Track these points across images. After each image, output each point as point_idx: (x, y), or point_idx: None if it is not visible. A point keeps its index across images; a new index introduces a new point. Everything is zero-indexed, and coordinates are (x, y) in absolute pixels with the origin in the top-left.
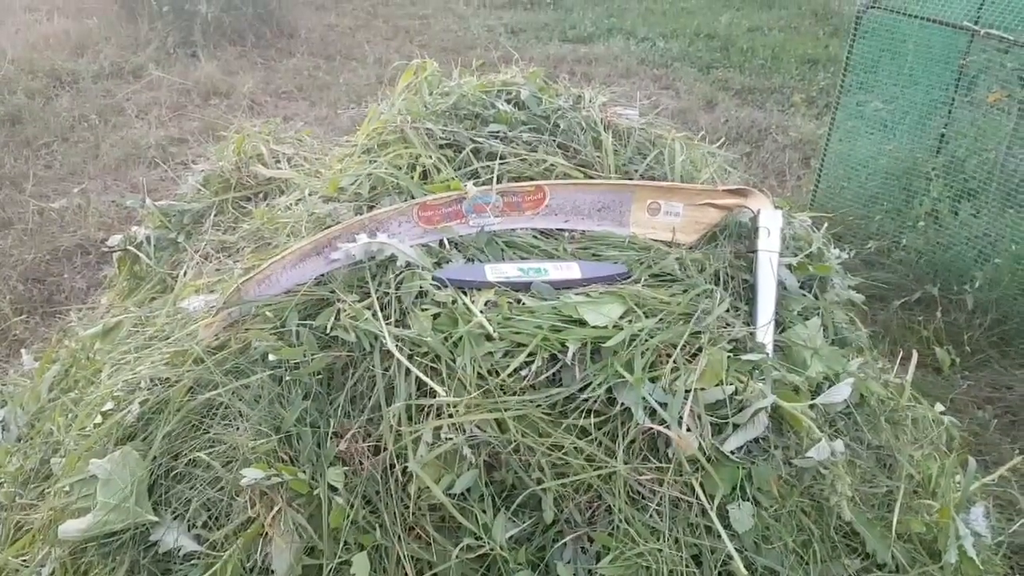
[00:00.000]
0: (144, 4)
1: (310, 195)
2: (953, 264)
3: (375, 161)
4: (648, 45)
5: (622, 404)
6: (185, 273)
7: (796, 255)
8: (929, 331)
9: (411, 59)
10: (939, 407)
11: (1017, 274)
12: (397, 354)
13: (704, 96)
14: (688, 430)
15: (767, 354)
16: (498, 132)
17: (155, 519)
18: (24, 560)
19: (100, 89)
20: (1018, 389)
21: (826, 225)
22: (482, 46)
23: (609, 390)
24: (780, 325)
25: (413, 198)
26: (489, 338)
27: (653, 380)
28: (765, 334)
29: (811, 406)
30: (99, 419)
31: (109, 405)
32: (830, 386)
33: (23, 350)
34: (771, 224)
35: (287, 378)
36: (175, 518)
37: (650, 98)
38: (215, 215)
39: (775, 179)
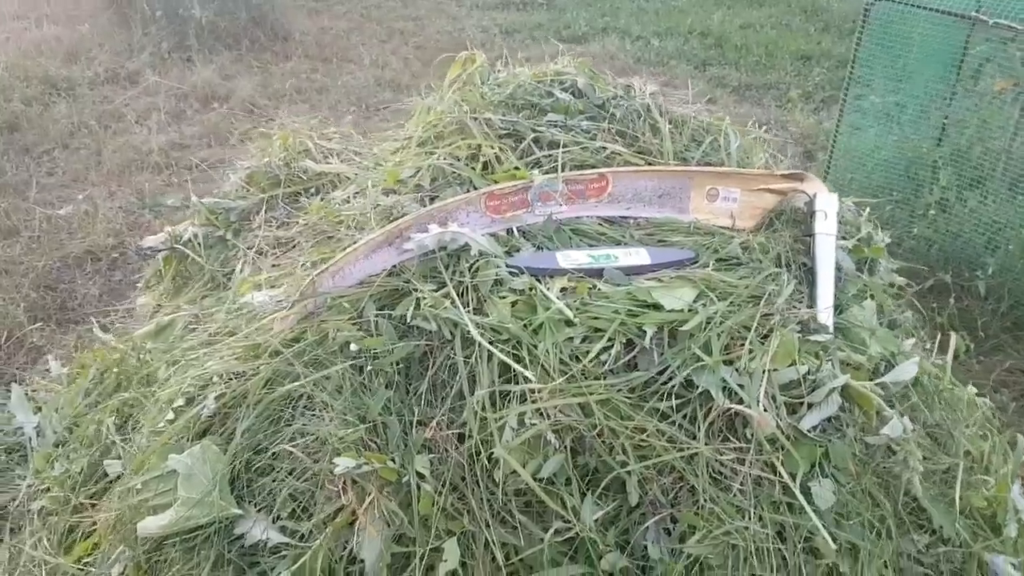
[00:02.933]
0: (137, 9)
1: (372, 187)
2: (964, 252)
3: (432, 153)
4: (643, 44)
5: (700, 387)
6: (240, 269)
7: (846, 238)
8: (943, 318)
9: (407, 60)
10: (972, 388)
11: None
12: (481, 340)
13: (702, 94)
14: (765, 410)
15: (832, 335)
16: (557, 121)
17: (240, 512)
18: (82, 566)
19: (97, 95)
20: None
21: (868, 209)
22: (477, 47)
23: (687, 373)
24: (838, 307)
25: (475, 188)
26: (569, 323)
27: (728, 362)
28: (827, 316)
29: (879, 385)
30: (171, 415)
31: (180, 401)
32: (887, 367)
33: (49, 356)
34: (828, 207)
35: (368, 368)
36: (260, 511)
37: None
38: (265, 211)
39: None
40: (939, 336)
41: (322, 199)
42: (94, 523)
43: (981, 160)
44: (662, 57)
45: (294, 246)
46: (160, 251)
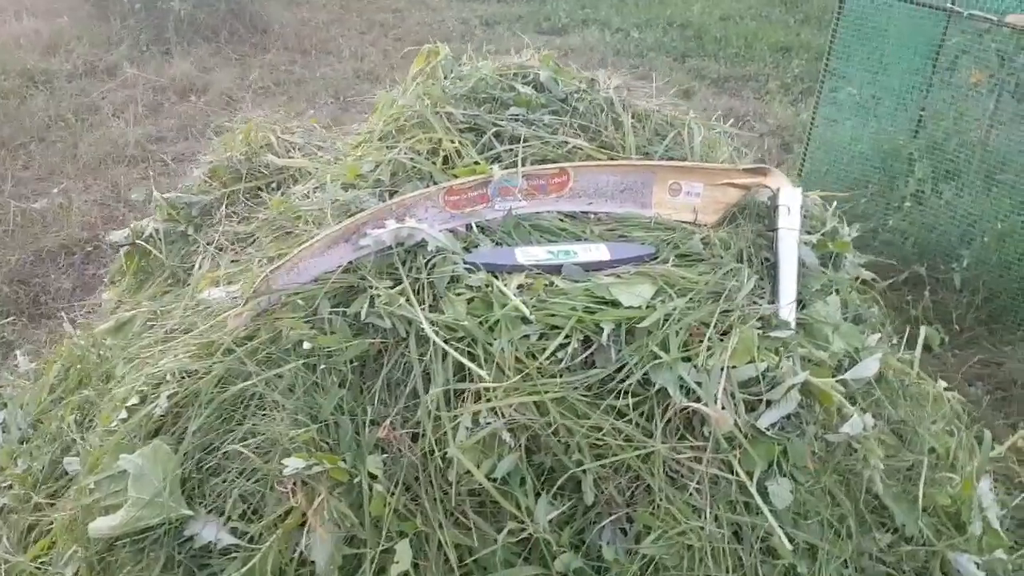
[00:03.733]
0: (116, 2)
1: (331, 182)
2: (939, 244)
3: (393, 147)
4: (622, 36)
5: (658, 384)
6: (200, 265)
7: (810, 233)
8: (918, 311)
9: (387, 52)
10: (942, 383)
11: (1003, 252)
12: (435, 338)
13: (681, 85)
14: (723, 408)
15: (793, 331)
16: (519, 115)
17: (190, 513)
18: (39, 564)
19: (74, 88)
20: (1007, 365)
21: (836, 203)
22: (457, 38)
23: (644, 370)
24: (800, 302)
25: (435, 183)
26: (525, 321)
27: (687, 359)
28: (789, 311)
29: (840, 382)
30: (124, 414)
31: (134, 400)
32: (851, 363)
33: (17, 352)
34: (791, 202)
35: (321, 366)
36: (210, 512)
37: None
38: (226, 206)
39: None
40: (909, 330)
41: (282, 194)
42: (52, 522)
43: (957, 152)
44: (641, 49)
45: (253, 241)
46: (122, 246)
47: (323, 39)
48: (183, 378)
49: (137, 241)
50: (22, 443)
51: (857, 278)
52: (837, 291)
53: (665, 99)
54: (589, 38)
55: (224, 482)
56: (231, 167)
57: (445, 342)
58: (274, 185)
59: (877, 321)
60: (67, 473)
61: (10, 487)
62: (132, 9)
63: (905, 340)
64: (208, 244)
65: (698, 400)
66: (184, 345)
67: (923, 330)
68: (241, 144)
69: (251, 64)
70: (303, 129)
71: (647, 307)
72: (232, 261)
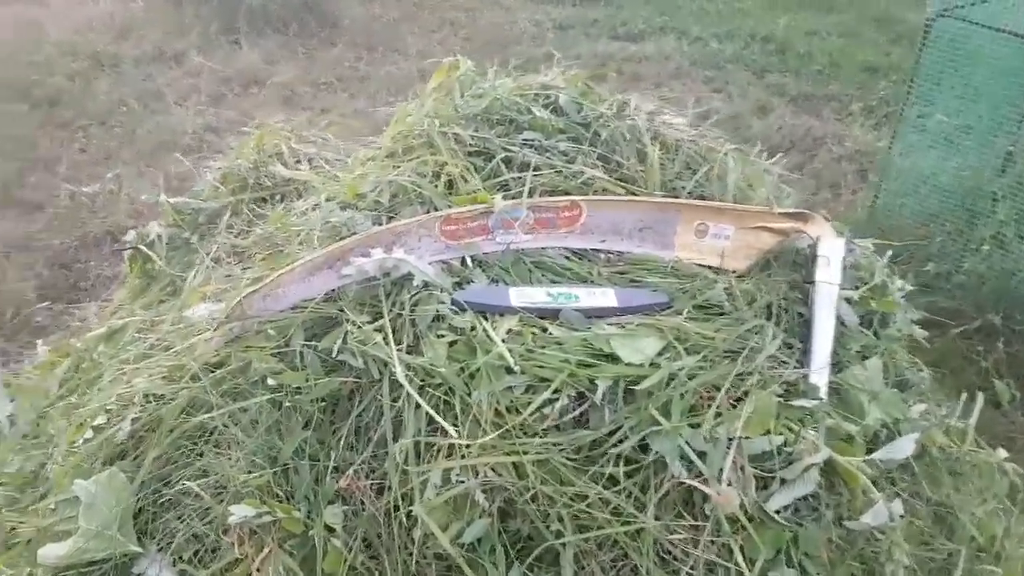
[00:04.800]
0: None
1: (327, 200)
2: (1018, 292)
3: (399, 167)
4: (701, 45)
5: (656, 452)
6: (194, 277)
7: (857, 287)
8: (989, 362)
9: (454, 53)
10: (1002, 452)
11: None
12: (407, 385)
13: (757, 101)
14: (729, 484)
15: (821, 399)
16: (533, 140)
17: (139, 550)
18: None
19: (140, 73)
20: None
21: (889, 252)
22: (528, 41)
23: (642, 436)
24: (837, 365)
25: (436, 209)
26: (509, 371)
27: (692, 426)
28: (820, 376)
29: (868, 460)
30: (89, 433)
31: (101, 419)
32: (888, 435)
33: (39, 341)
34: (832, 253)
35: (287, 404)
36: (160, 550)
37: (699, 101)
38: (229, 216)
39: (829, 191)
40: (982, 382)
41: (284, 208)
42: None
43: None
44: (719, 60)
45: (249, 257)
46: (125, 250)
47: (392, 36)
48: (149, 401)
49: (139, 246)
50: (25, 438)
51: (909, 336)
52: (881, 353)
53: (703, 128)
54: (665, 46)
55: (179, 519)
56: (239, 174)
57: (420, 388)
58: (279, 197)
59: (927, 387)
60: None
61: (2, 484)
62: None
63: (963, 402)
64: (206, 255)
65: (700, 474)
66: (158, 365)
67: (980, 396)
68: (251, 151)
69: (317, 58)
70: (319, 138)
71: (650, 364)
72: (226, 276)
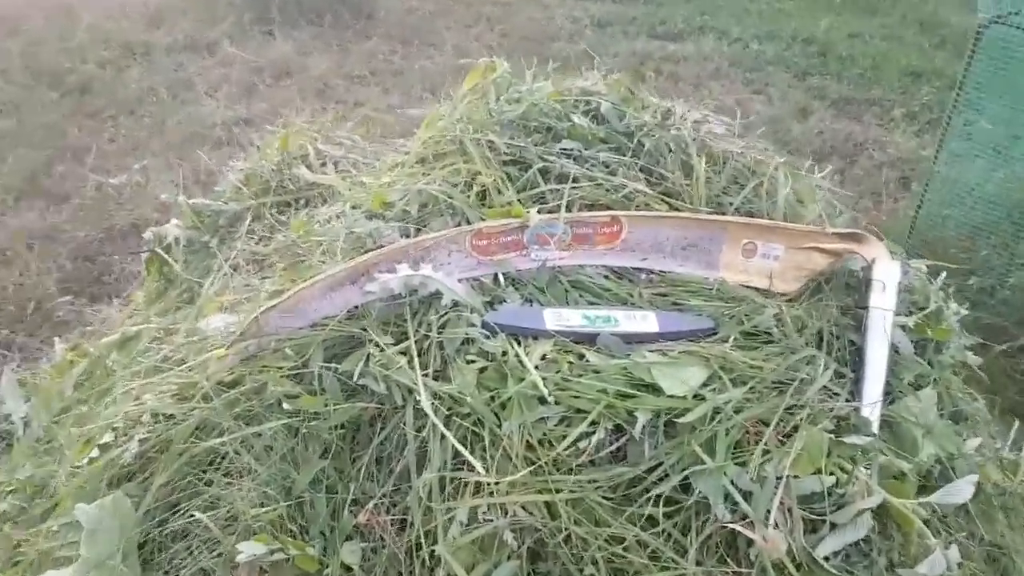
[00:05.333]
0: None
1: (352, 208)
2: None
3: (429, 174)
4: (741, 46)
5: (698, 491)
6: (212, 285)
7: (911, 312)
8: None
9: (490, 49)
10: None
11: None
12: (432, 416)
13: (798, 104)
14: (776, 527)
15: (874, 435)
16: (572, 150)
17: None
18: None
19: (172, 63)
20: None
21: (943, 275)
22: (565, 38)
23: (684, 474)
24: (889, 395)
25: (468, 221)
26: (543, 401)
27: (737, 462)
28: (873, 410)
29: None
30: (96, 452)
31: (108, 437)
32: (942, 472)
33: (56, 338)
34: (887, 277)
35: (304, 430)
36: None
37: (739, 103)
38: (251, 220)
39: (870, 199)
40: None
41: (308, 214)
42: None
43: None
44: (759, 62)
45: (269, 265)
46: (142, 252)
47: (427, 30)
48: (158, 421)
49: (156, 249)
50: (38, 443)
51: (962, 362)
52: (935, 383)
53: (750, 139)
54: (704, 46)
55: (187, 550)
56: (262, 176)
57: (447, 419)
58: (303, 202)
59: (983, 418)
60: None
61: (13, 491)
62: None
63: (1014, 430)
64: (225, 261)
65: (744, 516)
66: (169, 382)
67: None
68: (276, 152)
69: (351, 51)
70: (347, 138)
71: (694, 396)
72: (245, 285)
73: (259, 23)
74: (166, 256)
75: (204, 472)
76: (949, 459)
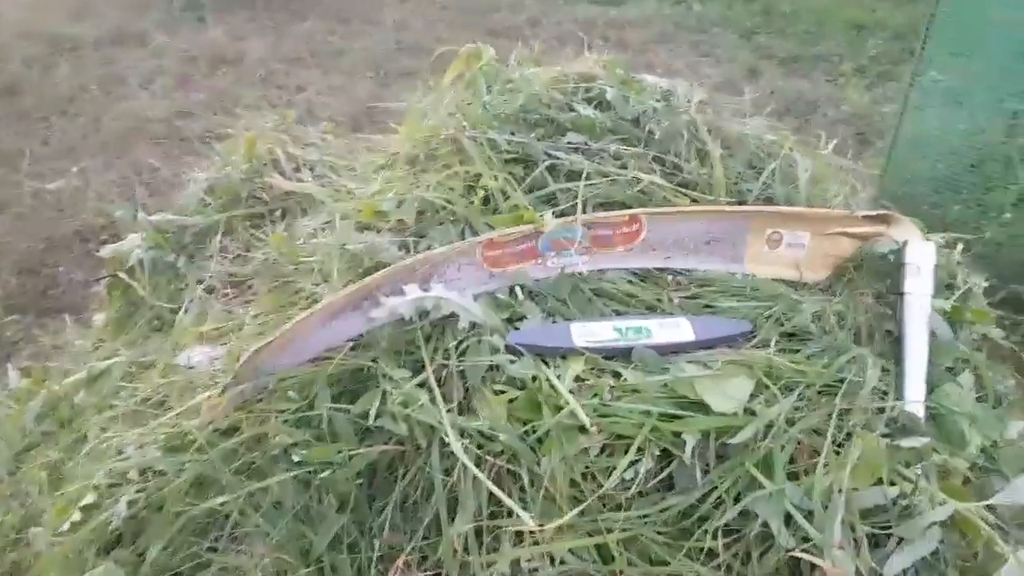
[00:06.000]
0: None
1: (342, 219)
2: None
3: (423, 178)
4: (684, 8)
5: (758, 517)
6: (185, 311)
7: (940, 292)
8: (1018, 335)
9: (431, 23)
10: None
11: None
12: (462, 456)
13: (746, 65)
14: (841, 548)
15: (928, 436)
16: (579, 143)
17: None
18: None
19: (102, 57)
20: None
21: (961, 246)
22: (507, 8)
23: (743, 500)
24: (929, 384)
25: (472, 229)
26: (583, 430)
27: (794, 480)
28: (920, 407)
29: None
30: (78, 516)
31: (90, 498)
32: (987, 460)
33: (9, 364)
34: (922, 260)
35: (316, 481)
36: None
37: (689, 68)
38: (222, 235)
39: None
40: (1009, 356)
41: (286, 227)
42: None
43: None
44: (703, 23)
45: (249, 287)
46: (101, 278)
47: (365, 7)
48: (147, 479)
49: (118, 273)
50: (1, 483)
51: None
52: (972, 366)
53: (761, 119)
54: (647, 10)
55: None
56: (230, 186)
57: (479, 459)
58: (279, 213)
59: (1016, 397)
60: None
61: None
62: None
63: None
64: (198, 283)
65: (806, 538)
66: (153, 431)
67: None
68: (242, 159)
69: (287, 33)
70: (318, 139)
71: (744, 411)
72: (225, 310)
73: (189, 9)
74: (130, 280)
75: (205, 535)
76: (994, 447)
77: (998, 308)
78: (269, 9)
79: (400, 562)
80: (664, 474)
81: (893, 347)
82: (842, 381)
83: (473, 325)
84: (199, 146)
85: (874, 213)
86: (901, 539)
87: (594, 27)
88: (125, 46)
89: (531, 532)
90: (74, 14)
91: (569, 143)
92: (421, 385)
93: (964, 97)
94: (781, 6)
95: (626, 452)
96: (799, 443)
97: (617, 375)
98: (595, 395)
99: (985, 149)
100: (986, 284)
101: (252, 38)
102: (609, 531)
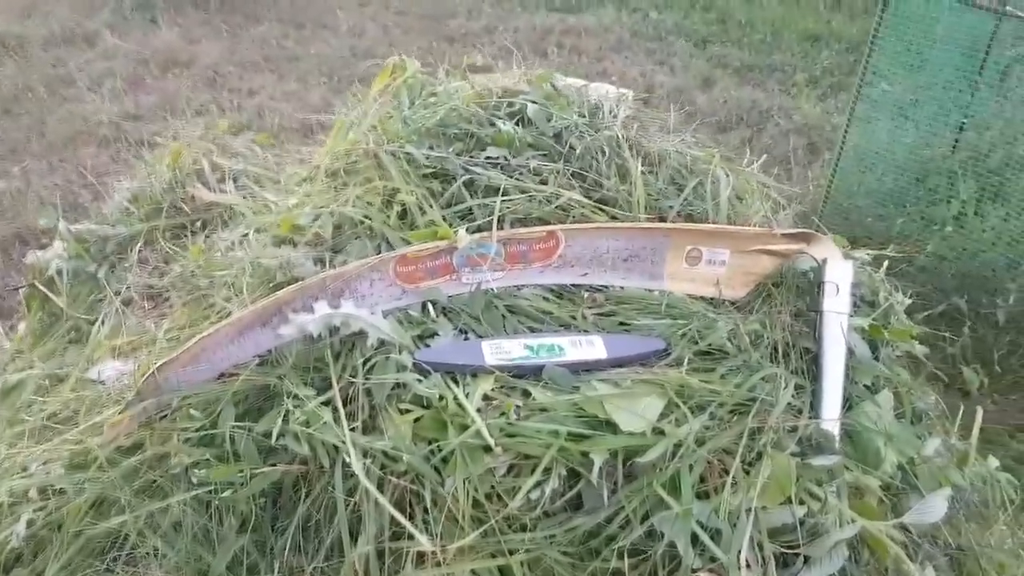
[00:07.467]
0: None
1: (257, 233)
2: (982, 274)
3: (341, 192)
4: (640, 16)
5: (664, 537)
6: (102, 323)
7: (858, 307)
8: (956, 348)
9: (387, 28)
10: (993, 461)
11: None
12: (364, 479)
13: (701, 73)
14: (748, 567)
15: (840, 454)
16: (498, 158)
17: None
18: None
19: (49, 57)
20: None
21: (886, 264)
22: (464, 15)
23: (649, 520)
24: (846, 402)
25: (389, 244)
26: (488, 450)
27: (702, 500)
28: (835, 426)
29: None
30: None
31: None
32: (903, 478)
33: None
34: (840, 279)
35: (217, 502)
36: None
37: (644, 76)
38: (142, 246)
39: (780, 167)
40: (948, 369)
41: (207, 238)
42: None
43: (1001, 170)
44: (660, 32)
45: (165, 300)
46: (20, 287)
47: (320, 11)
48: (48, 497)
49: (35, 283)
50: None
51: (909, 354)
52: (892, 384)
53: (688, 137)
54: (604, 18)
55: None
56: (153, 196)
57: (381, 479)
58: (200, 224)
59: (937, 413)
60: None
61: None
62: None
63: (978, 421)
64: (116, 295)
65: (715, 558)
66: (58, 448)
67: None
68: (167, 169)
69: (241, 36)
70: (246, 149)
71: (653, 431)
72: (138, 324)
73: (141, 10)
74: (47, 292)
75: (103, 556)
76: (910, 464)
77: (938, 321)
78: (223, 12)
79: None
80: (571, 494)
81: (811, 365)
82: (755, 400)
83: (382, 342)
84: (146, 151)
85: (793, 231)
86: (807, 558)
87: (551, 34)
88: (74, 46)
89: (433, 553)
90: (20, 12)
91: (488, 158)
92: (327, 403)
93: (910, 111)
94: (737, 15)
95: (533, 472)
96: (709, 462)
97: (527, 394)
98: (502, 414)
99: (930, 163)
100: (910, 301)
101: (205, 41)
102: (513, 552)
